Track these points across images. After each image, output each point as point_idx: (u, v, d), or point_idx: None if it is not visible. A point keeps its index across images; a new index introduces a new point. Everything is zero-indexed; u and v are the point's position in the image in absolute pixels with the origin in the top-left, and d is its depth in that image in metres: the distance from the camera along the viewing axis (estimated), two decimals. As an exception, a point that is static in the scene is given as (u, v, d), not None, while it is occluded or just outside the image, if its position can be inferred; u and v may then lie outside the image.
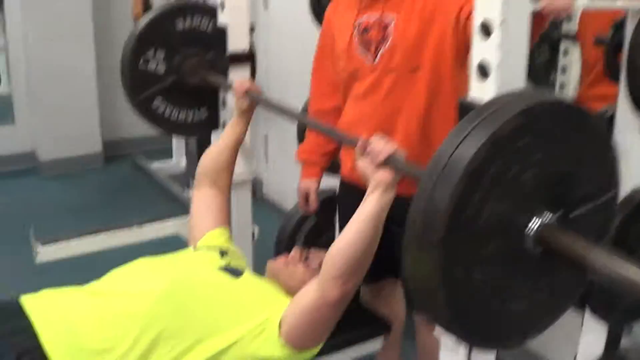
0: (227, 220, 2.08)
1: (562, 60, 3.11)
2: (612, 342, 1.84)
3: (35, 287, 1.75)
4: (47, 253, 2.18)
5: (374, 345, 2.02)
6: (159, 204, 4.02)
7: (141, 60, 2.31)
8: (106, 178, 4.52)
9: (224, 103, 2.36)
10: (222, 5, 2.24)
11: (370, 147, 1.55)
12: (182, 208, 3.83)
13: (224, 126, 2.41)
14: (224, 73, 2.30)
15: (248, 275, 1.81)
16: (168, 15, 2.31)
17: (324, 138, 2.17)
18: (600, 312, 1.72)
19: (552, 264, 1.25)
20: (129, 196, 4.24)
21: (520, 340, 1.33)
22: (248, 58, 2.30)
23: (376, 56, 1.90)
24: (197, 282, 1.73)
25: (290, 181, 3.33)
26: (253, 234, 2.60)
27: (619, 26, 1.63)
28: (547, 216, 1.19)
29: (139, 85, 2.33)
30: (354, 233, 1.55)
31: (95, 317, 1.61)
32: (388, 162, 1.53)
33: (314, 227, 2.77)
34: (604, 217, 1.32)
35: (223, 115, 2.39)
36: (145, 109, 2.39)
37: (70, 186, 4.33)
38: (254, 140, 4.11)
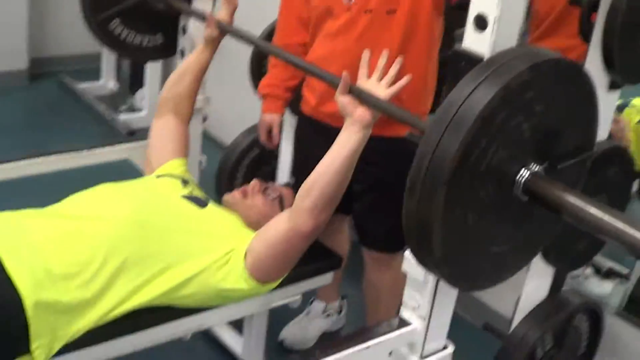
0: (186, 151, 2.08)
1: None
2: (556, 287, 1.98)
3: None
4: (-8, 173, 2.12)
5: (325, 278, 2.08)
6: (87, 126, 3.91)
7: (104, -20, 2.24)
8: (32, 97, 4.32)
9: (184, 30, 2.33)
10: None
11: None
12: (112, 131, 3.75)
13: (182, 54, 2.38)
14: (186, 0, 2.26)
15: (212, 206, 1.83)
16: None
17: (288, 73, 2.17)
18: (552, 258, 1.83)
19: (534, 211, 1.34)
20: (56, 117, 4.09)
21: (494, 282, 1.43)
22: (213, -15, 2.26)
23: None
24: (163, 208, 1.75)
25: (226, 113, 3.31)
26: (200, 163, 2.60)
27: (597, -13, 1.69)
28: (537, 166, 1.27)
29: (99, 4, 2.26)
30: (330, 167, 1.60)
31: (60, 240, 1.60)
32: (369, 100, 1.57)
33: (255, 159, 2.80)
34: (581, 170, 1.42)
35: (182, 42, 2.36)
36: (102, 30, 2.33)
37: (-6, 103, 4.14)
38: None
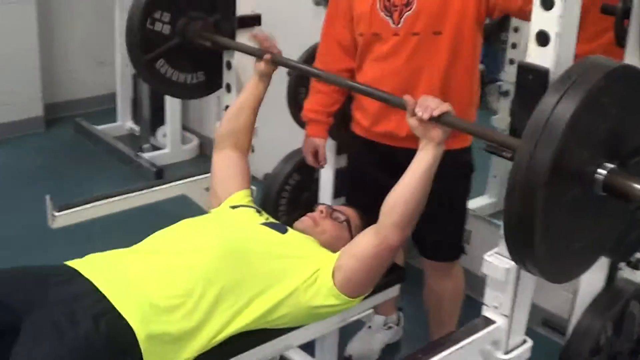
0: (249, 182, 2.22)
1: (514, 21, 3.38)
2: (611, 277, 2.15)
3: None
4: (63, 219, 2.24)
5: (393, 291, 2.21)
6: (110, 168, 4.05)
7: (149, 21, 2.39)
8: (50, 142, 4.46)
9: (229, 65, 2.48)
10: (230, -29, 2.37)
11: (424, 106, 1.74)
12: (138, 171, 3.90)
13: (227, 88, 2.53)
14: (230, 36, 2.42)
15: (292, 231, 1.98)
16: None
17: (331, 99, 2.34)
18: (608, 250, 2.00)
19: (608, 206, 1.51)
20: (77, 160, 4.23)
21: (578, 274, 1.62)
22: (255, 21, 2.43)
23: (400, 20, 2.08)
24: (249, 236, 1.89)
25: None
26: (252, 192, 2.73)
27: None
28: (611, 164, 1.44)
29: (146, 45, 2.42)
30: (412, 183, 1.76)
31: (160, 275, 1.72)
32: (440, 119, 1.73)
33: (296, 186, 2.95)
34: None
35: (227, 77, 2.51)
36: (148, 70, 2.47)
37: (14, 152, 4.26)
38: (206, 98, 4.22)
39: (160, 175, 3.72)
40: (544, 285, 1.83)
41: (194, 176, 2.52)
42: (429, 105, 1.73)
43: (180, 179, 2.49)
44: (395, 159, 2.19)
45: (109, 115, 4.55)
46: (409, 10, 2.06)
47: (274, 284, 1.80)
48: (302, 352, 2.47)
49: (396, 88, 2.03)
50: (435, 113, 1.72)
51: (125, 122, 4.47)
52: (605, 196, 1.46)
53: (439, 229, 2.26)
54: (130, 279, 1.70)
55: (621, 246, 2.04)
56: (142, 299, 1.65)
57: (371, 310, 2.18)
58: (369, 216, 1.98)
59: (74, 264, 1.76)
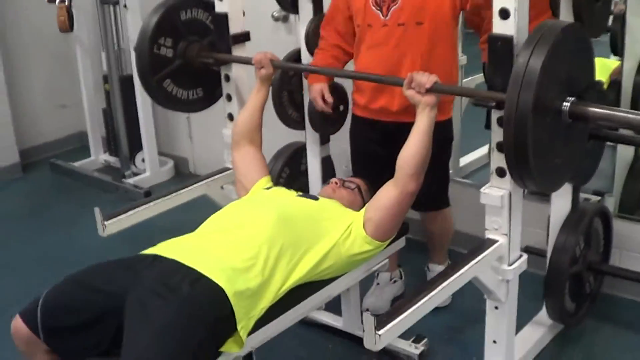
0: (268, 170, 2.72)
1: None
2: (575, 200, 2.71)
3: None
4: (112, 226, 2.64)
5: (400, 243, 2.68)
6: (95, 199, 4.37)
7: (155, 47, 2.85)
8: (31, 186, 4.77)
9: (227, 78, 2.96)
10: (221, -4, 2.87)
11: (417, 80, 2.26)
12: (123, 197, 4.27)
13: (228, 98, 3.01)
14: (226, 52, 2.90)
15: (322, 198, 2.48)
16: (175, 8, 2.92)
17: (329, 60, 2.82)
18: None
19: (575, 132, 2.07)
20: (62, 198, 4.55)
21: (558, 185, 2.16)
22: (245, 37, 2.93)
23: (388, 13, 2.62)
24: (293, 206, 2.39)
25: (214, 157, 3.80)
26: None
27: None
28: (571, 98, 2.00)
29: (153, 68, 2.89)
30: (416, 142, 2.27)
31: (233, 245, 2.16)
32: (432, 88, 2.26)
33: (287, 179, 3.41)
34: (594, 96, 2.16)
35: (227, 88, 2.99)
36: (158, 90, 2.93)
37: (-1, 198, 4.57)
38: (175, 121, 4.67)
39: (149, 195, 4.09)
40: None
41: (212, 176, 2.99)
42: (421, 80, 2.25)
43: (201, 180, 2.95)
44: (389, 132, 2.74)
45: (80, 152, 4.93)
46: (395, 5, 2.61)
47: (318, 241, 2.28)
48: (328, 313, 2.95)
49: (386, 70, 2.58)
50: (428, 86, 2.24)
51: (98, 156, 4.86)
52: (571, 122, 2.02)
53: (427, 185, 2.76)
54: (209, 252, 2.13)
55: (580, 172, 2.63)
56: (224, 265, 2.07)
57: (386, 261, 2.67)
58: (374, 183, 2.51)
59: (150, 251, 2.16)
